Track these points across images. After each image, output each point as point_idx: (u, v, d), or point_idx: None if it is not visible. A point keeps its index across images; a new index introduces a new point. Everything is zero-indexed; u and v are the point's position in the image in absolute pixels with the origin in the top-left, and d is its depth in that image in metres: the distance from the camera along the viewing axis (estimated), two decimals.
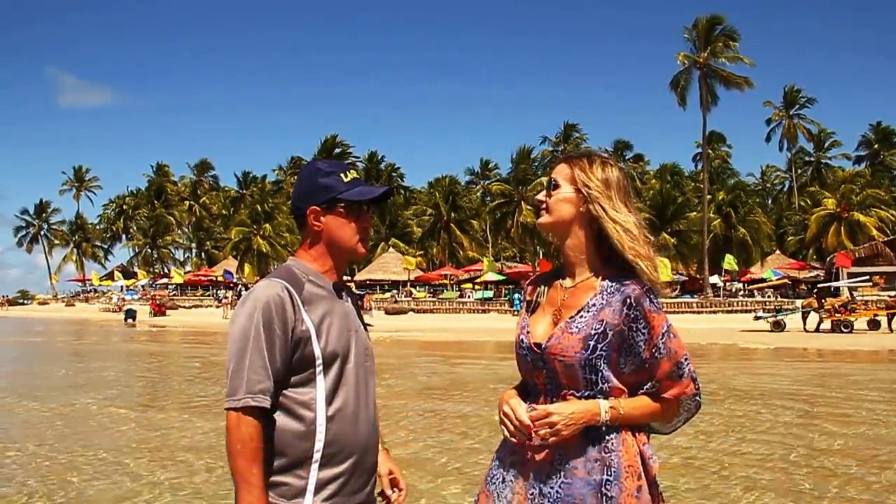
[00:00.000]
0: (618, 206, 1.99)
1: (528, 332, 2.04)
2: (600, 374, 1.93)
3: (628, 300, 1.92)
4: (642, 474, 1.93)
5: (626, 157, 79.51)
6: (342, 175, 2.12)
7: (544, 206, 2.06)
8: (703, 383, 2.08)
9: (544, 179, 2.09)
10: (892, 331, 28.67)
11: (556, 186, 2.04)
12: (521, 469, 2.00)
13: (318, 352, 2.00)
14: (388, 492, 2.27)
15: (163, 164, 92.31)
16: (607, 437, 1.93)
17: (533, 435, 1.93)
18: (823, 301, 30.62)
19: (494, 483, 2.06)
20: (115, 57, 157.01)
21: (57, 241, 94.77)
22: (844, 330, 28.52)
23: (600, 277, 2.00)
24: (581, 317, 1.95)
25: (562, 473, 1.93)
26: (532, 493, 1.96)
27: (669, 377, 1.96)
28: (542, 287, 2.13)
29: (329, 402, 2.02)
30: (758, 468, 7.20)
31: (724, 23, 49.58)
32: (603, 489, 1.89)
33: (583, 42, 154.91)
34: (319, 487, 1.98)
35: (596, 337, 1.91)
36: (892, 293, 35.97)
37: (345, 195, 2.11)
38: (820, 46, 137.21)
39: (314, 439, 1.98)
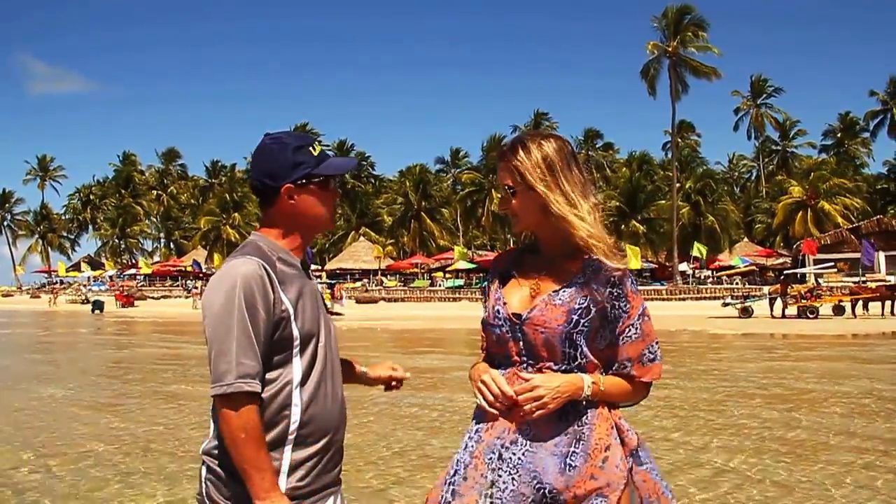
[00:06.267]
0: (565, 188, 1.95)
1: (504, 303, 2.02)
2: (579, 348, 1.94)
3: (612, 279, 1.95)
4: (612, 447, 1.92)
5: (597, 146, 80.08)
6: (311, 149, 2.03)
7: (511, 213, 2.04)
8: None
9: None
10: (855, 316, 29.30)
11: (514, 192, 2.01)
12: (483, 433, 1.98)
13: (296, 332, 1.94)
14: (397, 374, 2.40)
15: (129, 153, 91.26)
16: (586, 412, 1.93)
17: (518, 408, 1.90)
18: (789, 287, 31.17)
19: (460, 451, 2.04)
20: (84, 45, 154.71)
21: (21, 232, 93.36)
22: (810, 316, 29.08)
23: (583, 255, 1.99)
24: (565, 290, 1.95)
25: (527, 442, 1.91)
26: (490, 458, 1.94)
27: (642, 359, 1.99)
28: (514, 261, 2.11)
29: (304, 382, 1.96)
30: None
31: (694, 12, 50.14)
32: (567, 460, 1.88)
33: (553, 30, 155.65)
34: (293, 468, 1.92)
35: (580, 311, 1.92)
36: (856, 279, 36.69)
37: (319, 170, 2.02)
38: (788, 34, 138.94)
39: (290, 420, 1.92)
